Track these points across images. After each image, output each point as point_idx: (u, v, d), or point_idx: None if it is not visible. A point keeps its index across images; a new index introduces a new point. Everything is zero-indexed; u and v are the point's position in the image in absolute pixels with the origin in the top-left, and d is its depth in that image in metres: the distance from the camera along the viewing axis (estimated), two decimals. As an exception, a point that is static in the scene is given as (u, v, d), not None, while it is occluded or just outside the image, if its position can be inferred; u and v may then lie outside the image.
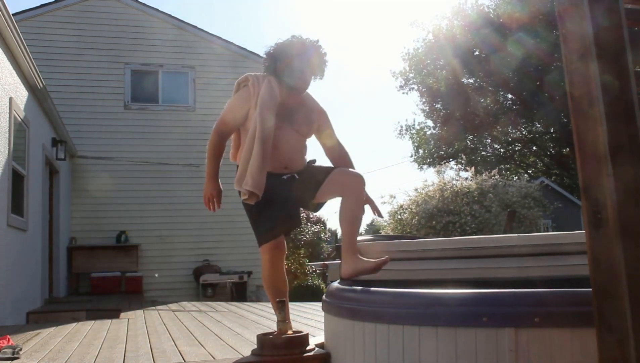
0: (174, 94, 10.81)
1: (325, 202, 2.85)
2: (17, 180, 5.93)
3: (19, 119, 6.11)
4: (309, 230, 15.39)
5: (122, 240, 9.82)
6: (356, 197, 2.67)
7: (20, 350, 3.12)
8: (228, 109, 2.84)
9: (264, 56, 2.82)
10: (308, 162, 2.90)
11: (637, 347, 1.34)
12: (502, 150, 28.25)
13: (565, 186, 25.36)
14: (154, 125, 10.50)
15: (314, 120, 2.85)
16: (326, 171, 2.78)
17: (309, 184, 2.75)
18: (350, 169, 2.82)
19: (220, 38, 11.14)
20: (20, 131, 6.20)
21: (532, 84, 22.50)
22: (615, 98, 1.42)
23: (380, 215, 2.96)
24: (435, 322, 1.86)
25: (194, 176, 10.35)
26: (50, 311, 6.32)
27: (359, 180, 2.70)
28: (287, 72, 2.71)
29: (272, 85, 2.73)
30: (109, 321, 5.04)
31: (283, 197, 2.69)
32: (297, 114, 2.79)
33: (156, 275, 9.72)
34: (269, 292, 2.77)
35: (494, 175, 14.02)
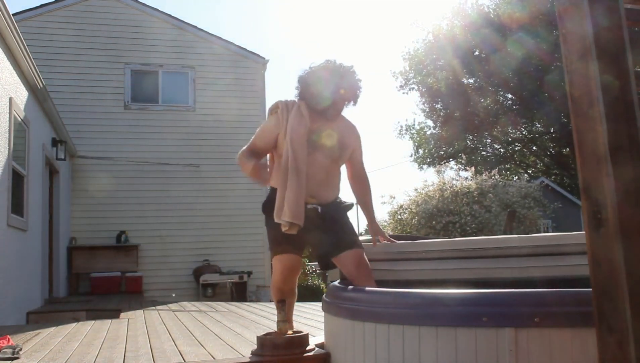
0: (174, 94, 10.80)
1: (334, 267, 2.81)
2: (17, 180, 5.93)
3: (19, 119, 6.11)
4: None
5: (122, 240, 9.82)
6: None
7: (20, 350, 3.12)
8: (257, 135, 2.85)
9: (297, 78, 2.79)
10: (343, 206, 2.81)
11: (637, 347, 1.34)
12: (502, 150, 28.25)
13: (565, 186, 25.37)
14: (154, 125, 10.50)
15: (349, 145, 2.79)
16: (345, 244, 2.68)
17: (328, 243, 2.70)
18: (364, 261, 2.69)
19: (220, 38, 11.15)
20: (20, 131, 6.20)
21: (532, 84, 22.49)
22: (615, 98, 1.42)
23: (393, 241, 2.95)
24: (435, 322, 1.86)
25: (194, 176, 10.37)
26: (50, 312, 6.32)
27: (370, 276, 2.67)
28: (318, 97, 2.68)
29: (301, 111, 2.70)
30: (109, 321, 5.04)
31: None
32: (328, 138, 2.73)
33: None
34: (274, 294, 2.77)
35: (494, 175, 14.03)
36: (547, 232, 15.14)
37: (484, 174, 14.21)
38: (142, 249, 9.93)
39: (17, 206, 5.88)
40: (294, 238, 2.66)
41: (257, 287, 10.41)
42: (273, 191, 2.75)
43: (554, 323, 1.71)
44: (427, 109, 27.15)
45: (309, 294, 12.28)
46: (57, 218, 8.58)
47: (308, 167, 2.64)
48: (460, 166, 27.19)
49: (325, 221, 2.71)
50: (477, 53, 24.10)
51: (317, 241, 2.75)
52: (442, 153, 27.31)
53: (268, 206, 2.74)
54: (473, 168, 16.75)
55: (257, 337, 2.61)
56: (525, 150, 28.05)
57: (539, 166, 28.94)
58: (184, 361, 2.81)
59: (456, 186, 13.48)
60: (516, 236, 2.72)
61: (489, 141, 27.96)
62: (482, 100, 24.71)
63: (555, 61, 20.03)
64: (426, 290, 2.12)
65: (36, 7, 10.19)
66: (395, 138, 58.22)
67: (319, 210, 2.70)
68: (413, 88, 27.11)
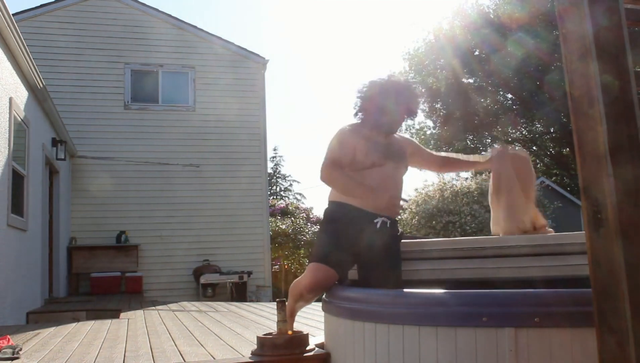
0: (174, 94, 10.81)
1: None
2: (17, 180, 5.93)
3: (19, 119, 6.11)
4: (309, 230, 15.39)
5: (122, 240, 9.82)
6: None
7: (20, 350, 3.12)
8: (336, 147, 2.72)
9: (358, 94, 2.77)
10: (400, 235, 2.78)
11: (637, 347, 1.34)
12: (502, 150, 28.21)
13: (565, 186, 25.35)
14: (154, 125, 10.50)
15: (406, 151, 2.82)
16: (393, 283, 2.62)
17: (375, 268, 2.62)
18: None
19: (220, 38, 11.15)
20: (20, 131, 6.20)
21: (532, 84, 22.48)
22: (615, 98, 1.42)
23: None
24: (435, 322, 1.86)
25: (194, 176, 10.37)
26: (50, 311, 6.32)
27: None
28: (382, 114, 2.68)
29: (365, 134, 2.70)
30: (109, 321, 5.04)
31: (357, 246, 2.61)
32: (393, 147, 2.75)
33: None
34: (293, 295, 2.70)
35: (494, 175, 14.00)
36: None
37: (484, 174, 14.21)
38: (142, 249, 9.93)
39: (17, 206, 5.88)
40: (345, 256, 2.60)
41: (257, 287, 10.41)
42: (337, 205, 2.71)
43: (554, 323, 1.71)
44: (427, 109, 27.15)
45: (309, 294, 12.26)
46: (57, 218, 8.58)
47: (384, 178, 2.64)
48: (460, 166, 27.12)
49: (385, 242, 2.65)
50: (477, 53, 24.10)
51: (368, 259, 2.66)
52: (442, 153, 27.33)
53: (330, 214, 2.72)
54: (473, 168, 16.71)
55: (257, 337, 2.61)
56: (525, 150, 28.04)
57: (539, 166, 28.94)
58: (184, 361, 2.81)
59: (456, 186, 13.49)
60: (516, 236, 2.72)
61: (489, 141, 27.96)
62: (482, 100, 24.71)
63: (555, 61, 20.02)
64: (426, 290, 2.12)
65: (36, 7, 10.19)
66: (395, 138, 57.99)
67: (388, 225, 2.66)
68: (413, 88, 27.05)
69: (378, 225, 2.61)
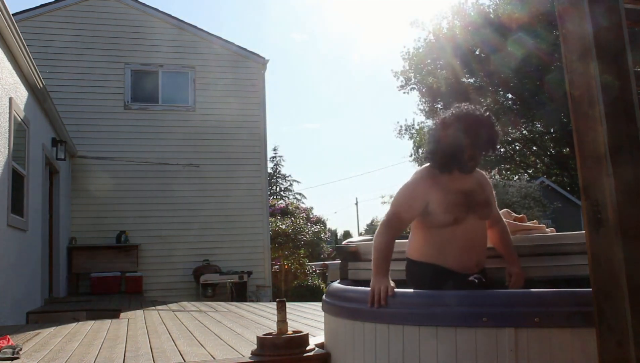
0: (174, 94, 10.81)
1: None
2: (17, 180, 5.93)
3: (19, 119, 6.11)
4: (309, 230, 15.39)
5: (122, 240, 9.82)
6: None
7: (20, 350, 3.12)
8: (401, 205, 2.41)
9: (431, 136, 2.44)
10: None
11: (637, 347, 1.34)
12: (502, 150, 28.27)
13: (565, 186, 25.36)
14: (154, 125, 10.51)
15: (489, 197, 2.51)
16: None
17: None
18: None
19: (220, 38, 11.16)
20: (20, 131, 6.20)
21: (532, 84, 22.50)
22: (615, 98, 1.42)
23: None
24: (435, 322, 1.86)
25: (194, 176, 10.38)
26: (50, 311, 6.32)
27: None
28: (459, 154, 2.33)
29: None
30: (109, 321, 5.04)
31: None
32: (476, 196, 2.42)
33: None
34: None
35: (494, 175, 14.02)
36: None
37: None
38: (142, 249, 9.93)
39: (17, 206, 5.88)
40: None
41: (257, 287, 10.41)
42: (426, 267, 2.37)
43: (554, 323, 1.70)
44: (427, 109, 27.18)
45: (309, 294, 12.28)
46: (57, 218, 8.58)
47: (470, 234, 2.35)
48: (460, 166, 27.14)
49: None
50: (477, 53, 24.12)
51: None
52: (442, 152, 27.32)
53: (424, 280, 2.34)
54: (473, 168, 16.70)
55: (257, 337, 2.61)
56: (525, 150, 28.06)
57: (539, 166, 28.94)
58: (184, 361, 2.81)
59: (456, 186, 13.49)
60: (516, 236, 2.72)
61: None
62: (482, 100, 24.72)
63: (555, 61, 20.03)
64: (427, 290, 2.12)
65: (36, 7, 10.20)
66: (395, 138, 58.33)
67: (483, 280, 2.35)
68: (414, 88, 27.15)
69: (476, 282, 2.30)
